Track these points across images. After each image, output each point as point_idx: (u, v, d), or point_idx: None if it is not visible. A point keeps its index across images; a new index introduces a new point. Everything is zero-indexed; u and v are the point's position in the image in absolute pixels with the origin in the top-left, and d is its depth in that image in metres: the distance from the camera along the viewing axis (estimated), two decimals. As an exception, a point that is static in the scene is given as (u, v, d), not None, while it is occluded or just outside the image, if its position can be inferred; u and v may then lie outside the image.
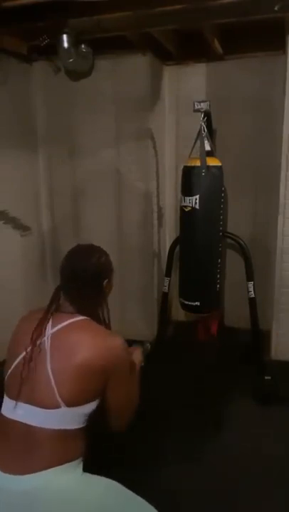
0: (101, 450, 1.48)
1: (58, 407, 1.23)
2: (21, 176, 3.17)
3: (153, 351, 1.80)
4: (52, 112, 3.28)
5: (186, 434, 2.30)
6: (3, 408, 1.32)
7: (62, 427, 1.25)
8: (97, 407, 1.31)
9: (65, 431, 1.25)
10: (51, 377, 1.24)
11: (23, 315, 1.47)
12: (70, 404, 1.23)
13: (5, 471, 1.21)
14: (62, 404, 1.23)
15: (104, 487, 1.31)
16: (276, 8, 2.21)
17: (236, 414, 2.50)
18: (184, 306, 2.88)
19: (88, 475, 1.31)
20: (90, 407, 1.28)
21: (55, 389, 1.23)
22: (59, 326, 1.32)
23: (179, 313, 3.46)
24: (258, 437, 2.28)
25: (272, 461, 2.10)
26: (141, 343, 1.77)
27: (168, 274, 3.14)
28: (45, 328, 1.33)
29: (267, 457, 2.13)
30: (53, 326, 1.33)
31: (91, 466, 1.33)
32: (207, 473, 2.04)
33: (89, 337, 1.31)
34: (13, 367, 1.32)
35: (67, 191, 3.39)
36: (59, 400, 1.22)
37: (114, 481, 1.33)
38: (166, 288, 3.13)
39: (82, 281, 1.39)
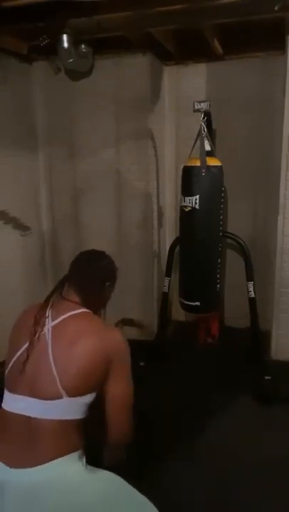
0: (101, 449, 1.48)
1: (59, 397, 1.22)
2: (21, 176, 3.17)
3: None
4: (52, 112, 3.28)
5: (185, 434, 2.30)
6: (4, 402, 1.31)
7: (64, 418, 1.24)
8: (96, 399, 1.30)
9: (67, 421, 1.25)
10: (53, 366, 1.24)
11: (23, 309, 1.47)
12: (72, 394, 1.23)
13: (11, 466, 1.21)
14: (64, 394, 1.22)
15: (108, 480, 1.31)
16: (276, 8, 2.22)
17: (236, 414, 2.50)
18: (184, 306, 2.88)
19: (91, 467, 1.31)
20: (91, 396, 1.28)
21: (57, 378, 1.23)
22: (61, 317, 1.33)
23: (179, 313, 3.46)
24: (258, 437, 2.28)
25: (272, 461, 2.10)
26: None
27: (168, 274, 3.14)
28: (47, 316, 1.33)
29: (267, 457, 2.12)
30: (55, 316, 1.34)
31: (92, 464, 1.33)
32: (207, 473, 2.04)
33: (91, 327, 1.33)
34: (14, 359, 1.32)
35: (67, 191, 3.39)
36: (61, 389, 1.22)
37: (116, 475, 1.33)
38: (166, 288, 3.14)
39: (92, 273, 1.45)
